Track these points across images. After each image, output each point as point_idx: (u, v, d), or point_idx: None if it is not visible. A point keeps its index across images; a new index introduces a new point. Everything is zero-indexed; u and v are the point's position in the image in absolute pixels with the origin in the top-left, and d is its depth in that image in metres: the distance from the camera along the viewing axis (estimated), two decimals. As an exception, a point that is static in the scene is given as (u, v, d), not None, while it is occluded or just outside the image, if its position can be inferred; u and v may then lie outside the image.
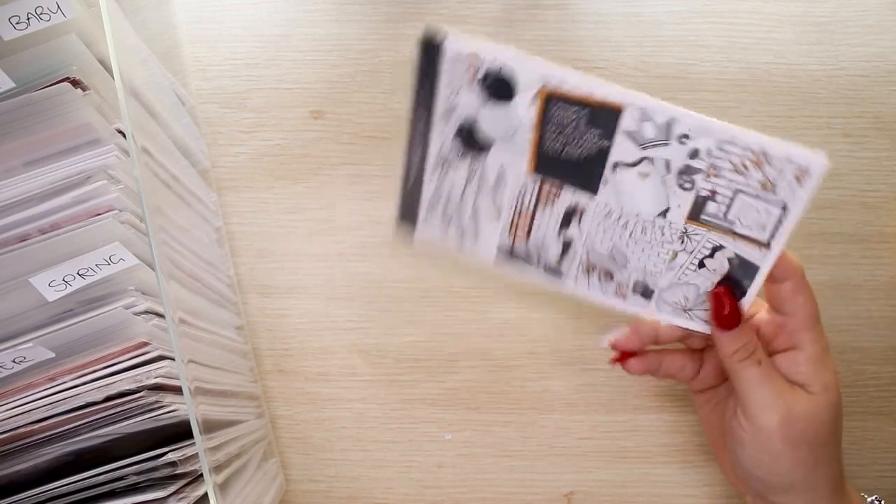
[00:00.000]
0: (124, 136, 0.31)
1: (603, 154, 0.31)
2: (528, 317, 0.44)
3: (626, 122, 0.30)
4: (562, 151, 0.32)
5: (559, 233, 0.34)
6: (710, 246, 0.32)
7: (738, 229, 0.31)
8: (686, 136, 0.30)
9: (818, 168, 0.29)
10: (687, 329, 0.34)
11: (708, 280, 0.32)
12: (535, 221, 0.34)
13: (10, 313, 0.31)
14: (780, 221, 0.30)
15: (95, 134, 0.31)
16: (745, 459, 0.33)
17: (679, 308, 0.34)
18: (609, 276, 0.34)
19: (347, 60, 0.44)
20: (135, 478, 0.32)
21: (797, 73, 0.44)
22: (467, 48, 0.30)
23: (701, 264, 0.32)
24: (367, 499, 0.45)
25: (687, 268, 0.32)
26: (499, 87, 0.31)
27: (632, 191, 0.32)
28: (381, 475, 0.45)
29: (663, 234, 0.32)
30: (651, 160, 0.31)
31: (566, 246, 0.34)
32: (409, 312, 0.44)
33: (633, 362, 0.36)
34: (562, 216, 0.33)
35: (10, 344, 0.31)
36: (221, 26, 0.44)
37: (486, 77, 0.31)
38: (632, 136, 0.31)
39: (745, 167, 0.30)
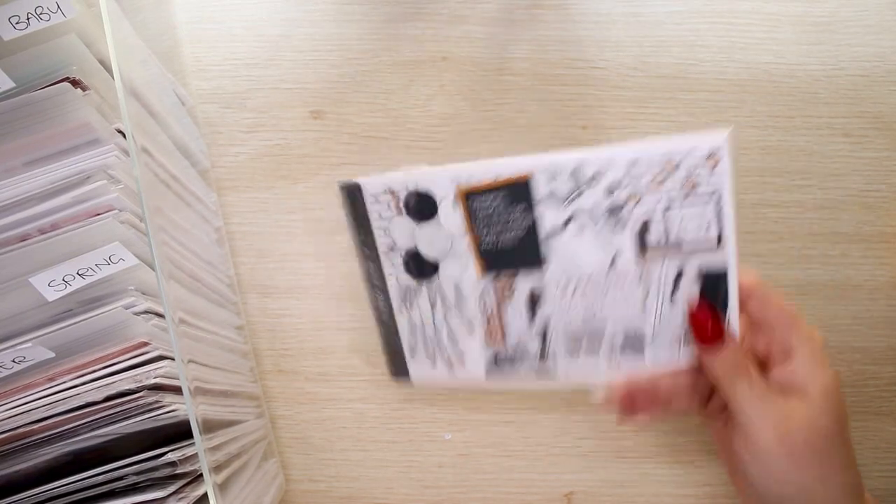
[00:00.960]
0: (124, 135, 0.31)
1: (533, 228, 0.31)
2: (528, 317, 0.44)
3: (539, 187, 0.30)
4: (498, 242, 0.31)
5: (530, 324, 0.33)
6: (671, 275, 0.31)
7: (686, 245, 0.30)
8: (595, 177, 0.29)
9: (721, 143, 0.28)
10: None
11: (690, 307, 0.32)
12: (505, 321, 0.33)
13: (10, 313, 0.31)
14: (719, 212, 0.29)
15: (95, 134, 0.31)
16: (755, 482, 0.32)
17: (676, 350, 0.32)
18: (595, 346, 0.33)
19: (347, 60, 0.44)
20: (134, 478, 0.32)
21: (797, 73, 0.44)
22: (381, 184, 0.32)
23: (673, 298, 0.31)
24: (367, 499, 0.45)
25: (662, 307, 0.31)
26: (421, 206, 0.32)
27: (574, 253, 0.31)
28: (381, 475, 0.45)
29: (623, 285, 0.31)
30: (576, 215, 0.30)
31: (543, 335, 0.33)
32: (409, 312, 0.44)
33: (641, 412, 0.33)
34: (525, 306, 0.33)
35: (10, 344, 0.31)
36: (221, 26, 0.44)
37: (407, 202, 0.32)
38: (550, 198, 0.30)
39: (662, 179, 0.29)
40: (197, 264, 0.38)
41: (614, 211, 0.30)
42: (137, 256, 0.31)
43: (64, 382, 0.31)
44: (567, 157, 0.29)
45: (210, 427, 0.33)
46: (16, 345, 0.30)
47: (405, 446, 0.45)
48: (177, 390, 0.33)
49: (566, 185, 0.30)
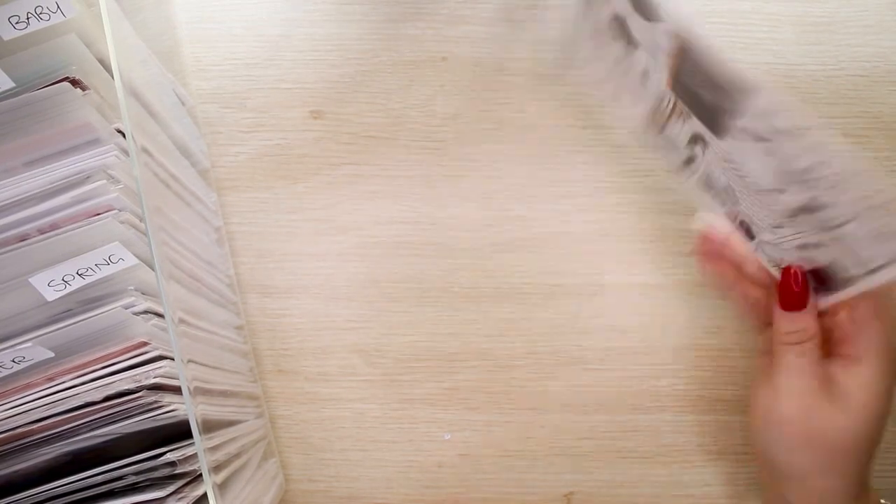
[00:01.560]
0: (124, 135, 0.31)
1: (733, 113, 0.29)
2: (528, 317, 0.44)
3: (758, 101, 0.29)
4: (695, 89, 0.30)
5: (686, 145, 0.32)
6: (814, 240, 0.30)
7: (845, 241, 0.29)
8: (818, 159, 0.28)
9: None
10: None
11: (802, 260, 0.31)
12: (668, 124, 0.32)
13: (10, 313, 0.31)
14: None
15: (95, 134, 0.31)
16: (762, 436, 0.32)
17: (775, 265, 0.32)
18: (724, 198, 0.33)
19: (347, 60, 0.44)
20: (134, 478, 0.32)
21: (797, 73, 0.44)
22: None
23: (803, 247, 0.30)
24: (367, 499, 0.45)
25: (788, 240, 0.31)
26: (642, 5, 0.30)
27: (754, 159, 0.30)
28: (381, 475, 0.45)
29: (774, 205, 0.30)
30: (775, 145, 0.29)
31: (689, 159, 0.33)
32: (409, 312, 0.44)
33: (717, 264, 0.33)
34: (689, 135, 0.32)
35: (10, 344, 0.31)
36: (221, 26, 0.44)
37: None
38: (760, 117, 0.29)
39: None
40: (197, 264, 0.38)
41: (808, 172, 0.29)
42: (137, 256, 0.31)
43: (63, 382, 0.31)
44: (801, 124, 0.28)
45: (210, 427, 0.33)
46: (15, 345, 0.30)
47: (405, 446, 0.45)
48: (176, 390, 0.33)
49: (783, 122, 0.29)
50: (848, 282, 0.30)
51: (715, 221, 0.34)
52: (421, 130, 0.44)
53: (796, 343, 0.31)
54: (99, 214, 0.31)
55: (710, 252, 0.34)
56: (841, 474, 0.31)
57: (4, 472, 0.32)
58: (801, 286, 0.30)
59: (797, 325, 0.31)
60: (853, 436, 0.30)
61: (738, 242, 0.33)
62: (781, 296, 0.31)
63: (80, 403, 0.31)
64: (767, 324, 0.34)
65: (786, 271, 0.31)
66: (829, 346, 0.32)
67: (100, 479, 0.32)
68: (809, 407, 0.30)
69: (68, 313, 0.31)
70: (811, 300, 0.31)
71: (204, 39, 0.44)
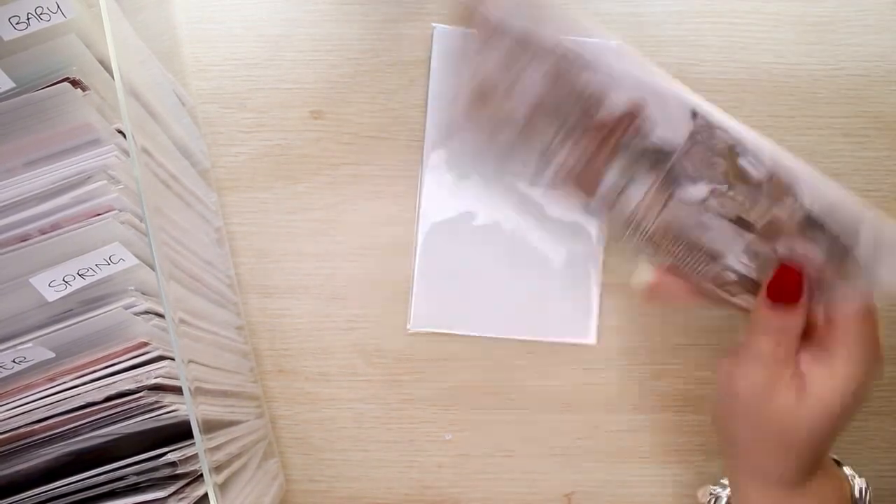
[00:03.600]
0: (124, 136, 0.31)
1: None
2: (528, 317, 0.44)
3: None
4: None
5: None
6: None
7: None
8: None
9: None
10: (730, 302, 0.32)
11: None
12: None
13: (10, 313, 0.31)
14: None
15: (95, 134, 0.31)
16: (719, 397, 0.32)
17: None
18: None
19: (347, 60, 0.44)
20: (135, 478, 0.32)
21: (797, 73, 0.44)
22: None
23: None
24: (367, 499, 0.45)
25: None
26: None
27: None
28: (381, 475, 0.45)
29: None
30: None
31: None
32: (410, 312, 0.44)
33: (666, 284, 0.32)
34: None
35: (10, 344, 0.31)
36: (221, 26, 0.44)
37: None
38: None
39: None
40: (197, 264, 0.38)
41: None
42: (137, 256, 0.31)
43: (64, 383, 0.31)
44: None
45: (210, 427, 0.33)
46: (16, 345, 0.30)
47: (405, 446, 0.45)
48: (177, 390, 0.33)
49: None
50: (842, 288, 0.29)
51: (652, 275, 0.33)
52: (421, 130, 0.44)
53: (773, 334, 0.30)
54: (99, 215, 0.31)
55: (659, 297, 0.33)
56: (784, 459, 0.31)
57: (6, 473, 0.32)
58: (796, 284, 0.29)
59: (778, 320, 0.30)
60: (807, 428, 0.30)
61: (680, 285, 0.32)
62: (771, 287, 0.30)
63: (81, 404, 0.31)
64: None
65: (780, 270, 0.30)
66: (807, 330, 0.31)
67: (101, 479, 0.32)
68: (769, 389, 0.30)
69: (69, 314, 0.31)
70: (803, 297, 0.30)
71: (204, 39, 0.44)
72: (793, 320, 0.30)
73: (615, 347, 0.44)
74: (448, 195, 0.44)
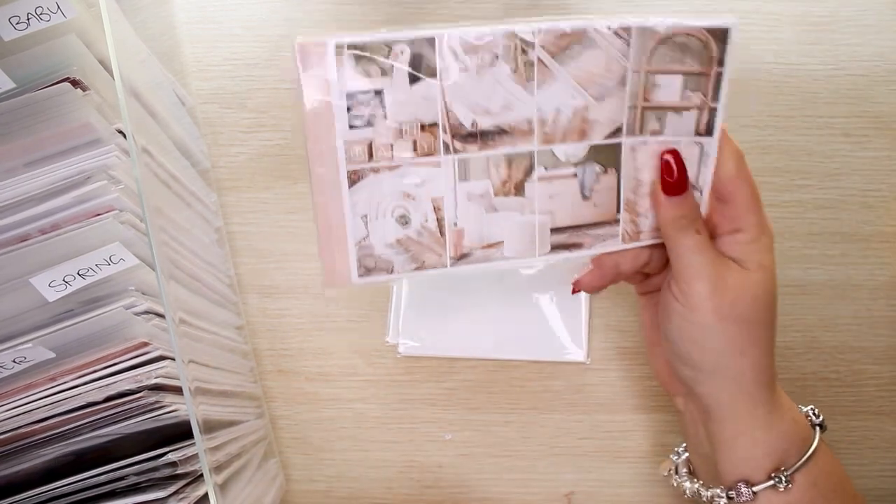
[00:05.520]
0: (124, 136, 0.31)
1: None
2: (528, 317, 0.44)
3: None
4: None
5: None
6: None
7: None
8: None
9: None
10: (644, 245, 0.33)
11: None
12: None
13: (11, 313, 0.31)
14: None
15: (95, 134, 0.31)
16: (674, 334, 0.32)
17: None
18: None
19: (347, 60, 0.44)
20: (135, 478, 0.32)
21: (797, 72, 0.44)
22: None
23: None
24: (367, 499, 0.45)
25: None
26: None
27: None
28: (381, 475, 0.45)
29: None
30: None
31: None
32: (410, 312, 0.44)
33: (588, 277, 0.34)
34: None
35: (11, 344, 0.31)
36: (221, 26, 0.44)
37: None
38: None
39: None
40: (197, 264, 0.38)
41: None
42: (137, 256, 0.31)
43: (65, 383, 0.31)
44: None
45: (210, 427, 0.33)
46: (16, 345, 0.30)
47: (405, 446, 0.45)
48: (177, 390, 0.33)
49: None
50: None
51: (578, 274, 0.35)
52: (421, 130, 0.44)
53: (688, 226, 0.31)
54: (99, 215, 0.31)
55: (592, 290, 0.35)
56: (755, 344, 0.32)
57: (6, 473, 0.32)
58: (679, 170, 0.31)
59: (684, 207, 0.31)
60: (763, 290, 0.31)
61: (605, 258, 0.33)
62: (664, 185, 0.31)
63: (81, 404, 0.31)
64: (659, 267, 0.34)
65: (664, 162, 0.31)
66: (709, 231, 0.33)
67: (101, 479, 0.32)
68: (718, 277, 0.31)
69: (69, 314, 0.31)
70: (689, 181, 0.31)
71: (204, 39, 0.44)
72: (690, 203, 0.32)
73: (615, 347, 0.44)
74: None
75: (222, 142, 0.45)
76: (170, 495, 0.31)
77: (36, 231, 0.31)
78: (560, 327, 0.43)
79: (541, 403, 0.44)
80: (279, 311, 0.45)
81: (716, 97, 0.31)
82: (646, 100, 0.30)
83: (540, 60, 0.29)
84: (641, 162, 0.32)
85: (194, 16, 0.44)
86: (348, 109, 0.29)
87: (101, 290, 0.31)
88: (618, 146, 0.31)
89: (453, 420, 0.44)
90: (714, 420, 0.33)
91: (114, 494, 0.32)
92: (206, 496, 0.31)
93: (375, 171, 0.30)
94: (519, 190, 0.31)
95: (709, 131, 0.31)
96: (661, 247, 0.33)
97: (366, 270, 0.31)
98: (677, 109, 0.31)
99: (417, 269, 0.32)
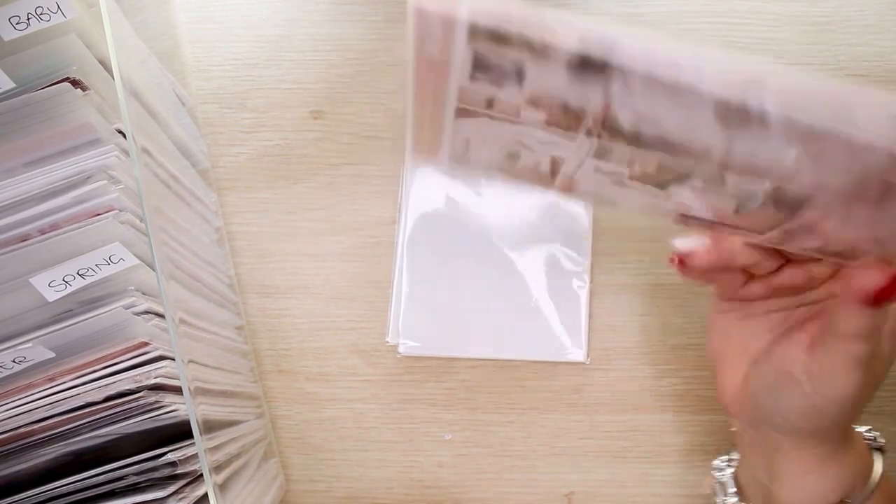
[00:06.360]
0: (124, 136, 0.31)
1: None
2: (528, 317, 0.44)
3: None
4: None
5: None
6: None
7: None
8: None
9: None
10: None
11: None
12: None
13: (10, 313, 0.31)
14: None
15: (95, 134, 0.31)
16: (782, 403, 0.29)
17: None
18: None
19: (347, 60, 0.44)
20: (135, 478, 0.32)
21: (797, 73, 0.44)
22: None
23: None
24: (367, 499, 0.45)
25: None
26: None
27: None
28: (381, 475, 0.45)
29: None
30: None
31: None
32: (409, 312, 0.44)
33: (700, 256, 0.29)
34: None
35: (10, 344, 0.31)
36: (221, 26, 0.44)
37: None
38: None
39: None
40: (197, 264, 0.38)
41: None
42: (137, 256, 0.31)
43: (64, 382, 0.31)
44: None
45: (210, 427, 0.33)
46: (16, 345, 0.30)
47: (405, 446, 0.45)
48: (177, 390, 0.33)
49: None
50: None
51: (690, 244, 0.30)
52: (421, 130, 0.44)
53: (870, 336, 0.27)
54: (99, 215, 0.31)
55: (693, 271, 0.30)
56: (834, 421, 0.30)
57: (6, 473, 0.32)
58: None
59: (877, 318, 0.26)
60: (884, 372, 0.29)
61: (725, 242, 0.29)
62: (879, 296, 0.25)
63: (80, 404, 0.31)
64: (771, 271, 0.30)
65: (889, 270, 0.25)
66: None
67: (101, 479, 0.32)
68: (866, 387, 0.28)
69: (69, 313, 0.31)
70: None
71: (204, 39, 0.44)
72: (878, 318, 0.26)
73: (615, 347, 0.44)
74: (433, 212, 0.44)
75: (222, 142, 0.45)
76: (169, 495, 0.31)
77: (36, 231, 0.31)
78: (560, 327, 0.43)
79: (541, 403, 0.44)
80: (279, 311, 0.45)
81: None
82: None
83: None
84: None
85: (194, 16, 0.44)
86: (473, 66, 0.21)
87: (100, 290, 0.31)
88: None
89: (453, 420, 0.44)
90: (784, 456, 0.31)
91: (113, 494, 0.32)
92: (205, 496, 0.31)
93: (491, 117, 0.23)
94: (661, 186, 0.25)
95: None
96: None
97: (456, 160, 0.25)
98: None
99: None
